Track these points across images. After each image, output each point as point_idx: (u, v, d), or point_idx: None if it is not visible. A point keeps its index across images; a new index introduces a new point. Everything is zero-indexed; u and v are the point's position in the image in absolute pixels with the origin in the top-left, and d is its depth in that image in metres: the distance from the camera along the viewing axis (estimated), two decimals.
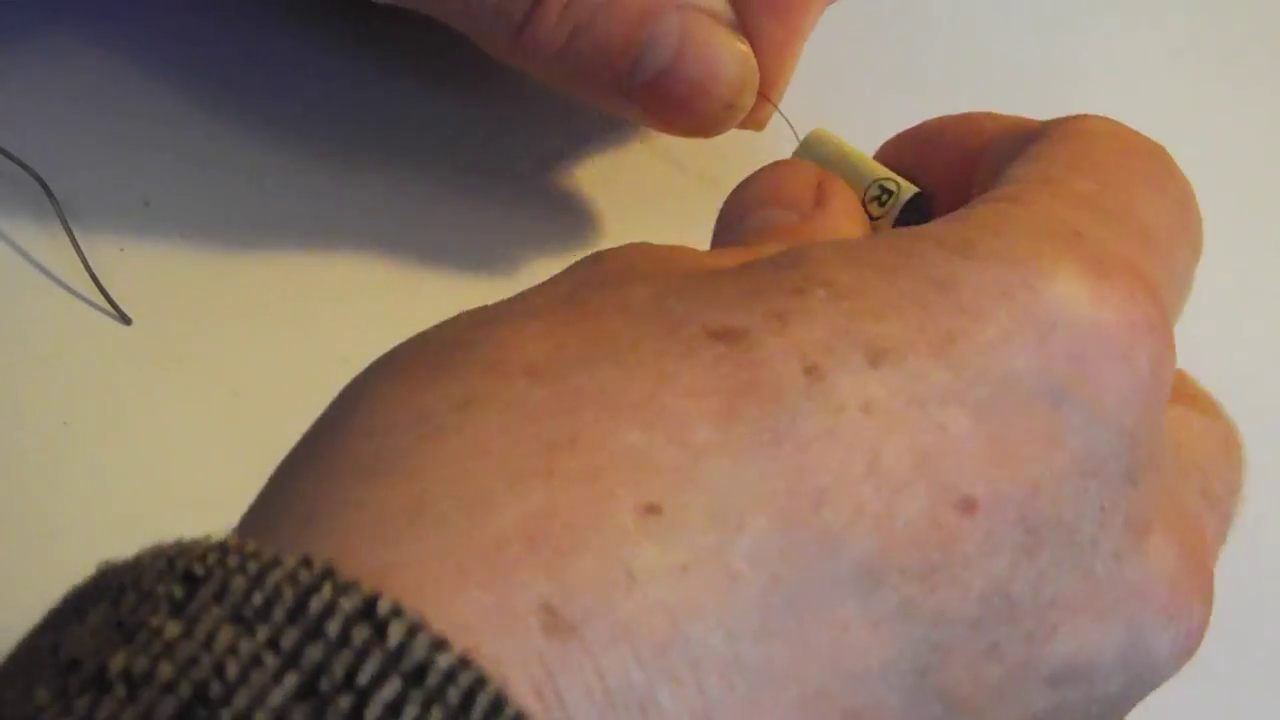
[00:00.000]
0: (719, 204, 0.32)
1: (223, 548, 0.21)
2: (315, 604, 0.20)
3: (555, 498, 0.22)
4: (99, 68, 0.42)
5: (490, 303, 0.26)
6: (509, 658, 0.21)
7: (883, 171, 0.34)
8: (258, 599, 0.20)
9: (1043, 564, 0.24)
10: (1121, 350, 0.25)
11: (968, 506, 0.24)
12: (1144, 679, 0.26)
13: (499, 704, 0.20)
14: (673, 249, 0.27)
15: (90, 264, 0.39)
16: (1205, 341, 0.31)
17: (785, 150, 0.36)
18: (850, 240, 0.26)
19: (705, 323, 0.24)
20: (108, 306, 0.38)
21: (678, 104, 0.39)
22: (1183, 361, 0.27)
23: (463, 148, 0.43)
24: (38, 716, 0.20)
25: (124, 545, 0.35)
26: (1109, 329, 0.25)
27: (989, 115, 0.33)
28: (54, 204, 0.39)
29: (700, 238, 0.32)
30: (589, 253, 0.28)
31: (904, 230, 0.27)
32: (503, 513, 0.22)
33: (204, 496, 0.36)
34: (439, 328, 0.26)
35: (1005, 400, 0.24)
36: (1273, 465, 0.32)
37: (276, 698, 0.20)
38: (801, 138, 0.35)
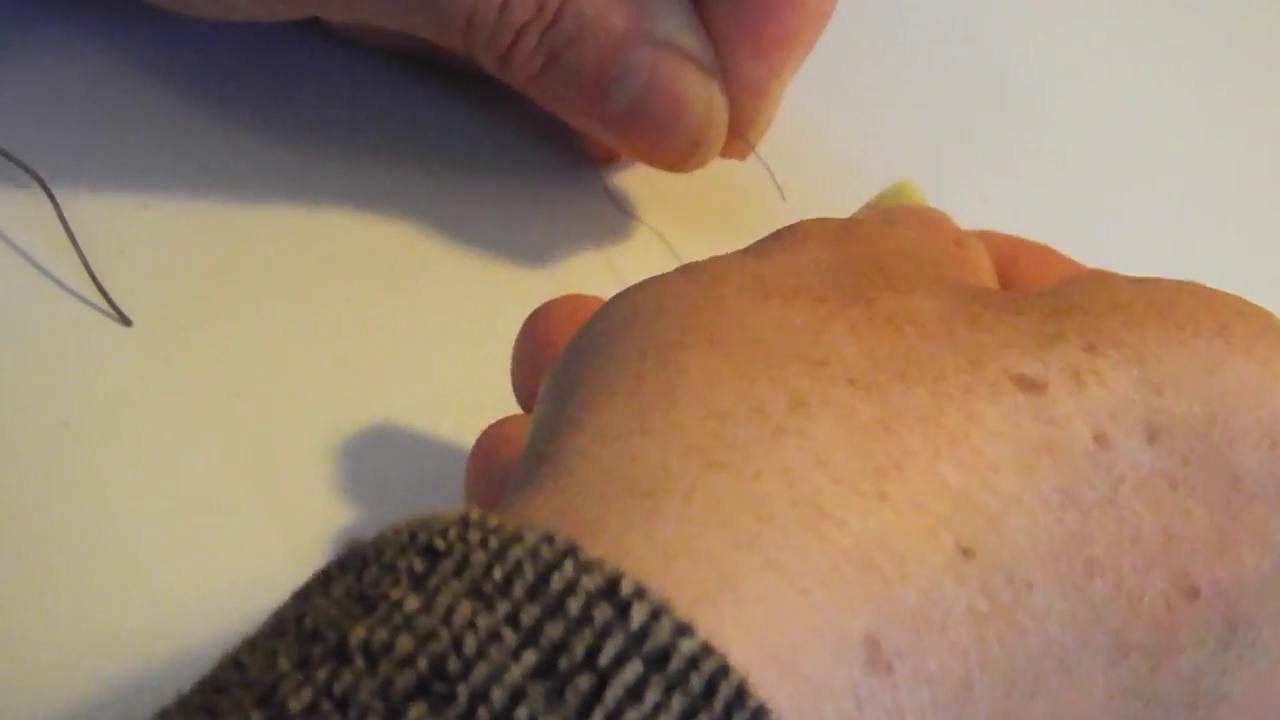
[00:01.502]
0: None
1: (464, 521, 0.21)
2: (557, 581, 0.20)
3: (886, 523, 0.22)
4: (99, 68, 0.42)
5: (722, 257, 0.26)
6: (828, 683, 0.21)
7: None
8: (498, 574, 0.20)
9: (1229, 660, 0.25)
10: None
11: (1193, 594, 0.24)
12: None
13: (742, 694, 0.20)
14: (907, 241, 0.28)
15: (90, 264, 0.39)
16: None
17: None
18: (1107, 282, 0.27)
19: (1006, 366, 0.24)
20: (108, 307, 0.38)
21: (646, 138, 0.40)
22: None
23: (465, 147, 0.43)
24: (279, 684, 0.20)
25: (124, 545, 0.35)
26: None
27: (1062, 256, 0.33)
28: (54, 204, 0.39)
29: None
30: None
31: (1164, 285, 0.27)
32: (842, 531, 0.22)
33: (204, 497, 0.36)
34: (714, 285, 0.26)
35: (1235, 496, 0.25)
36: None
37: (514, 674, 0.19)
38: (780, 185, 0.35)
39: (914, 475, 0.23)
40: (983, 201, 0.44)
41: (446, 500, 0.36)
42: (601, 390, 0.24)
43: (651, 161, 0.41)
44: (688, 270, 0.26)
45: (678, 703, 0.19)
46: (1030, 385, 0.24)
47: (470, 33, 0.39)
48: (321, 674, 0.20)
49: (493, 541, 0.21)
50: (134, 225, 0.40)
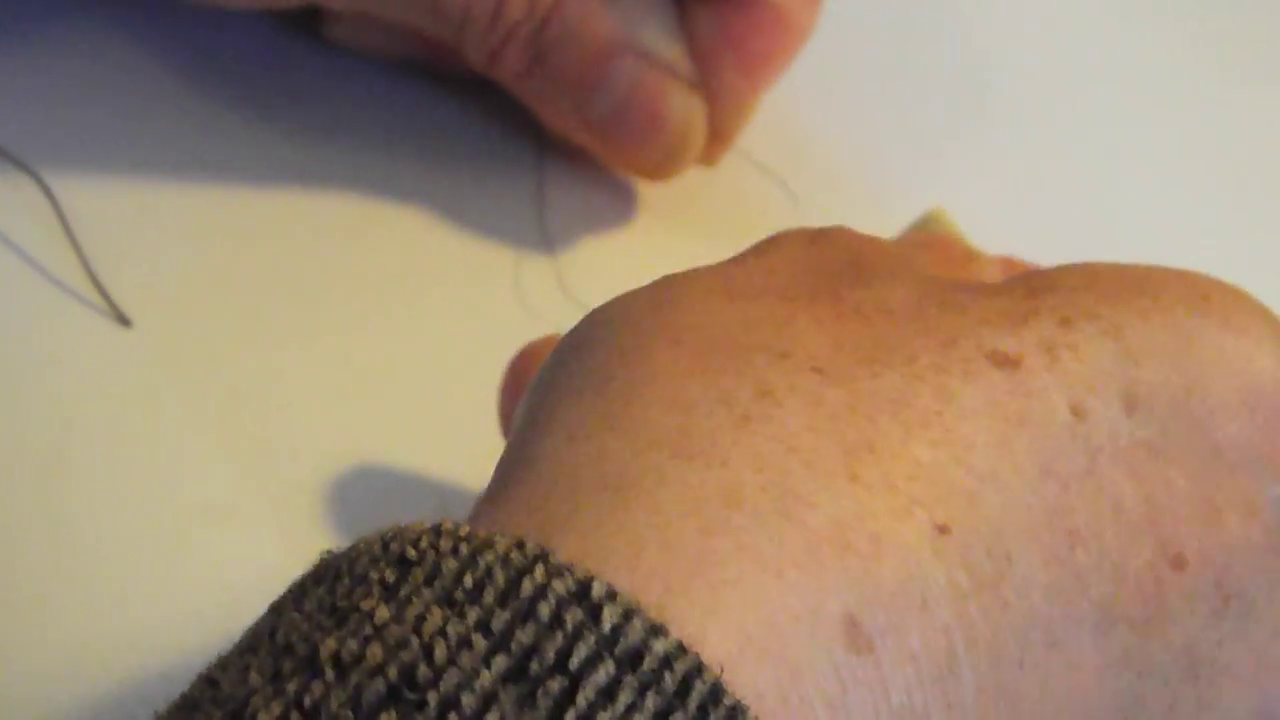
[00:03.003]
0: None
1: (436, 530, 0.21)
2: (528, 586, 0.20)
3: (860, 504, 0.22)
4: (99, 67, 0.42)
5: (699, 269, 0.27)
6: (809, 665, 0.21)
7: None
8: (469, 581, 0.20)
9: (1224, 631, 0.25)
10: None
11: (1180, 563, 0.24)
12: None
13: (716, 693, 0.20)
14: (884, 243, 0.28)
15: (90, 264, 0.39)
16: None
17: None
18: (1088, 266, 0.27)
19: (979, 343, 0.24)
20: (107, 307, 0.38)
21: (623, 145, 0.40)
22: None
23: (468, 148, 0.43)
24: (250, 699, 0.20)
25: (123, 545, 0.35)
26: None
27: None
28: (54, 204, 0.39)
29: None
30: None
31: (1144, 266, 0.27)
32: (816, 512, 0.22)
33: (204, 497, 0.36)
34: (682, 290, 0.26)
35: (1217, 465, 0.25)
36: None
37: (485, 680, 0.19)
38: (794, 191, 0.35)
39: (886, 456, 0.23)
40: (983, 202, 0.44)
41: (447, 497, 0.36)
42: (570, 394, 0.25)
43: (628, 168, 0.42)
44: (660, 281, 0.27)
45: (651, 702, 0.19)
46: (1004, 361, 0.24)
47: (464, 28, 0.39)
48: (292, 687, 0.20)
49: (464, 549, 0.21)
50: (134, 225, 0.40)
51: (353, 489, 0.37)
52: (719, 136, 0.41)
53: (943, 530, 0.22)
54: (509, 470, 0.24)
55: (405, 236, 0.41)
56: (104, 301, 0.38)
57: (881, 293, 0.25)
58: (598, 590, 0.20)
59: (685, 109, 0.40)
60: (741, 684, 0.20)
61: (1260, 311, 0.27)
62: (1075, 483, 0.24)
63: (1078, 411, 0.24)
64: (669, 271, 0.27)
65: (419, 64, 0.44)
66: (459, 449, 0.37)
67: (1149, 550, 0.24)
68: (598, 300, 0.27)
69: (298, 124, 0.43)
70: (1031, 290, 0.26)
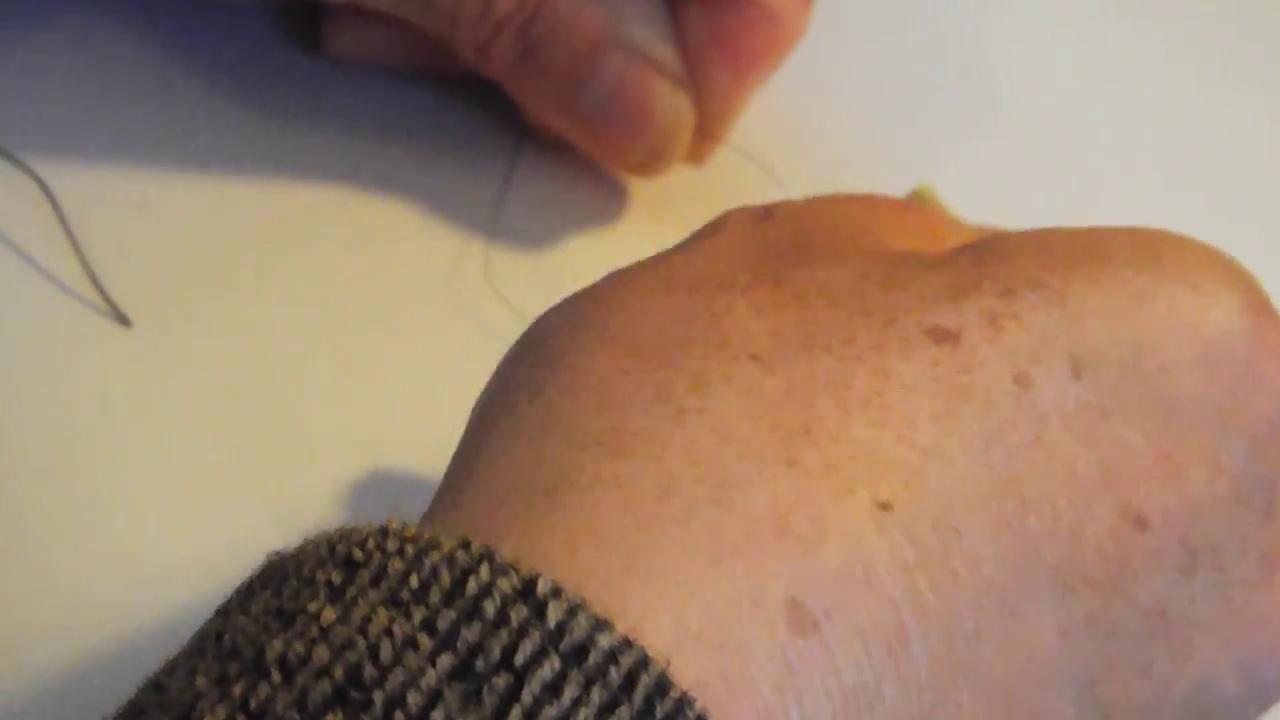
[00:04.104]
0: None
1: (383, 531, 0.21)
2: (472, 585, 0.20)
3: (799, 488, 0.22)
4: (99, 68, 0.42)
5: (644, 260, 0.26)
6: (753, 650, 0.21)
7: None
8: (414, 581, 0.20)
9: (1195, 587, 0.25)
10: (1274, 390, 0.26)
11: (1141, 523, 0.24)
12: (1260, 701, 0.27)
13: (663, 685, 0.20)
14: (838, 215, 0.28)
15: (90, 264, 0.39)
16: None
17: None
18: (1043, 233, 0.27)
19: (919, 320, 0.24)
20: (107, 307, 0.38)
21: (610, 141, 0.40)
22: None
23: (470, 147, 0.43)
24: (196, 703, 0.20)
25: (123, 545, 0.35)
26: (1265, 366, 0.26)
27: None
28: (54, 204, 0.39)
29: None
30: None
31: (1098, 229, 0.27)
32: (751, 500, 0.22)
33: (204, 497, 0.36)
34: (621, 287, 0.26)
35: (1176, 421, 0.25)
36: None
37: (431, 678, 0.19)
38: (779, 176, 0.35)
39: (825, 438, 0.23)
40: (980, 194, 0.44)
41: None
42: (509, 402, 0.25)
43: (614, 164, 0.42)
44: (602, 280, 0.27)
45: (597, 696, 0.19)
46: (944, 336, 0.24)
47: (455, 19, 0.39)
48: (238, 689, 0.20)
49: (409, 550, 0.21)
50: (134, 225, 0.40)
51: (353, 488, 0.37)
52: (706, 135, 0.41)
53: (885, 507, 0.22)
54: (453, 478, 0.24)
55: (405, 237, 0.41)
56: (104, 301, 0.38)
57: (823, 274, 0.25)
58: (542, 587, 0.20)
59: (673, 106, 0.40)
60: (684, 673, 0.20)
61: (1218, 264, 0.26)
62: (1024, 451, 0.24)
63: (1022, 380, 0.24)
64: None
65: (418, 73, 0.44)
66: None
67: (1108, 512, 0.24)
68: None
69: (298, 125, 0.43)
70: (979, 260, 0.26)
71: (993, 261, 0.25)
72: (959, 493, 0.23)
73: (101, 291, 0.39)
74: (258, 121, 0.42)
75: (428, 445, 0.38)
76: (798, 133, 0.45)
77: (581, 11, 0.39)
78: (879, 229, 0.28)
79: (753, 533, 0.22)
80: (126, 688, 0.28)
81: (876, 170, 0.44)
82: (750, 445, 0.23)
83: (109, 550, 0.35)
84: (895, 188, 0.42)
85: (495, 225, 0.42)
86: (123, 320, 0.38)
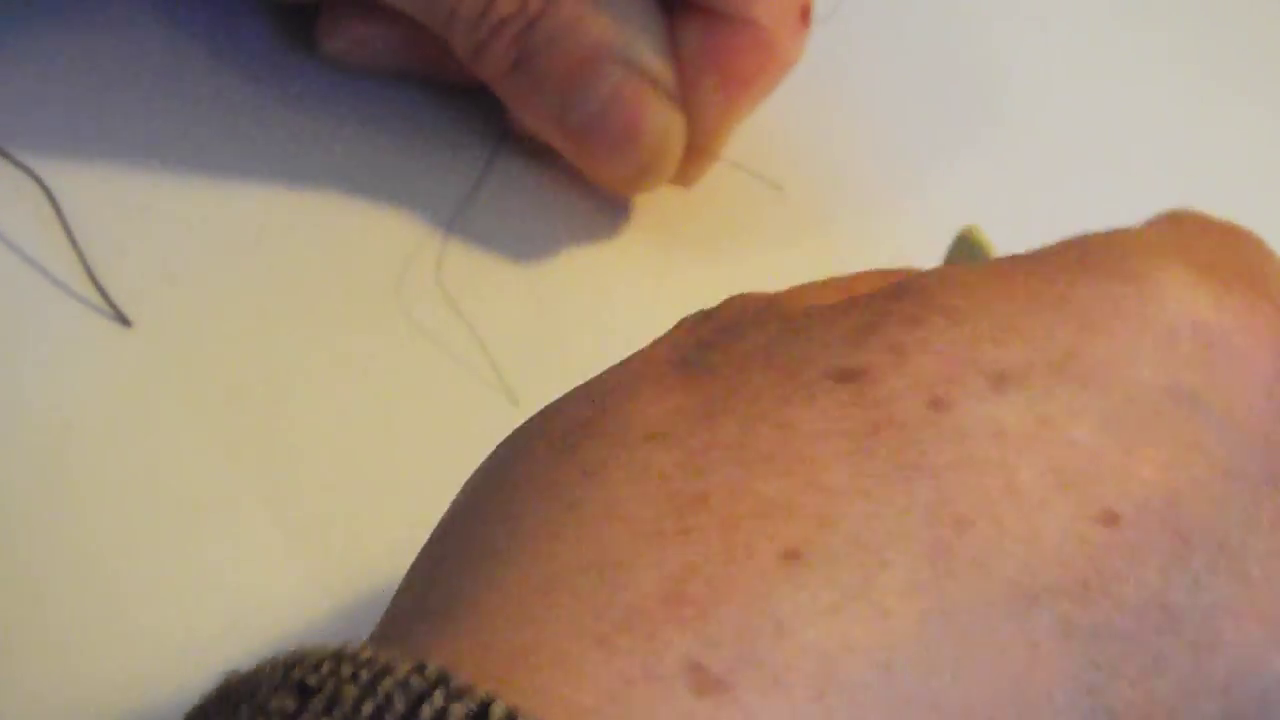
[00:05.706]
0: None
1: (338, 656, 0.21)
2: (426, 711, 0.20)
3: (691, 554, 0.22)
4: (99, 68, 0.42)
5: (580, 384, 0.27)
6: (658, 718, 0.20)
7: None
8: (368, 708, 0.20)
9: (1196, 571, 0.24)
10: (1247, 355, 0.25)
11: (1110, 519, 0.23)
12: None
13: None
14: (777, 293, 0.27)
15: (90, 264, 0.39)
16: None
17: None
18: (960, 266, 0.26)
19: (824, 365, 0.24)
20: (107, 307, 0.38)
21: (599, 155, 0.40)
22: None
23: (471, 147, 0.43)
24: None
25: (123, 545, 0.35)
26: (1232, 335, 0.25)
27: None
28: (54, 204, 0.39)
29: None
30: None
31: (1016, 256, 0.26)
32: (640, 576, 0.22)
33: (204, 498, 0.36)
34: (557, 406, 0.26)
35: (1135, 411, 0.24)
36: None
37: None
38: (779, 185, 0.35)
39: (721, 502, 0.22)
40: (979, 202, 0.44)
41: (448, 495, 0.36)
42: (445, 520, 0.26)
43: (600, 179, 0.41)
44: (552, 403, 0.27)
45: None
46: (850, 375, 0.24)
47: (454, 19, 0.39)
48: None
49: (364, 674, 0.21)
50: (134, 225, 0.40)
51: (353, 488, 0.37)
52: (696, 154, 0.41)
53: (792, 555, 0.22)
54: (414, 590, 0.25)
55: (408, 238, 0.41)
56: (104, 301, 0.38)
57: (738, 346, 0.25)
58: (497, 712, 0.20)
59: (664, 122, 0.40)
60: None
61: (1160, 246, 0.26)
62: (949, 472, 0.23)
63: (937, 404, 0.24)
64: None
65: (415, 77, 0.44)
66: (460, 445, 0.37)
67: (1066, 515, 0.23)
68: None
69: (298, 126, 0.43)
70: (890, 296, 0.25)
71: (903, 296, 0.25)
72: (880, 527, 0.22)
73: (101, 291, 0.39)
74: (259, 123, 0.42)
75: (430, 445, 0.38)
76: (796, 143, 0.45)
77: (582, 21, 0.39)
78: (825, 296, 0.27)
79: (640, 607, 0.21)
80: (125, 684, 0.28)
81: (876, 178, 0.44)
82: (640, 521, 0.22)
83: (108, 550, 0.35)
84: (895, 198, 0.42)
85: (453, 227, 0.42)
86: (123, 320, 0.38)
